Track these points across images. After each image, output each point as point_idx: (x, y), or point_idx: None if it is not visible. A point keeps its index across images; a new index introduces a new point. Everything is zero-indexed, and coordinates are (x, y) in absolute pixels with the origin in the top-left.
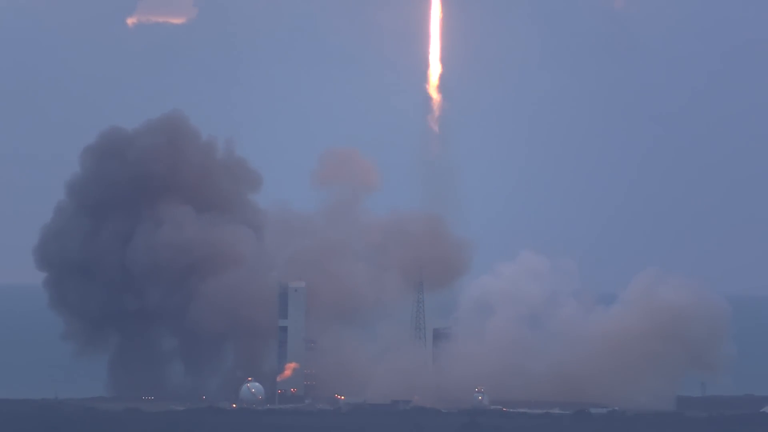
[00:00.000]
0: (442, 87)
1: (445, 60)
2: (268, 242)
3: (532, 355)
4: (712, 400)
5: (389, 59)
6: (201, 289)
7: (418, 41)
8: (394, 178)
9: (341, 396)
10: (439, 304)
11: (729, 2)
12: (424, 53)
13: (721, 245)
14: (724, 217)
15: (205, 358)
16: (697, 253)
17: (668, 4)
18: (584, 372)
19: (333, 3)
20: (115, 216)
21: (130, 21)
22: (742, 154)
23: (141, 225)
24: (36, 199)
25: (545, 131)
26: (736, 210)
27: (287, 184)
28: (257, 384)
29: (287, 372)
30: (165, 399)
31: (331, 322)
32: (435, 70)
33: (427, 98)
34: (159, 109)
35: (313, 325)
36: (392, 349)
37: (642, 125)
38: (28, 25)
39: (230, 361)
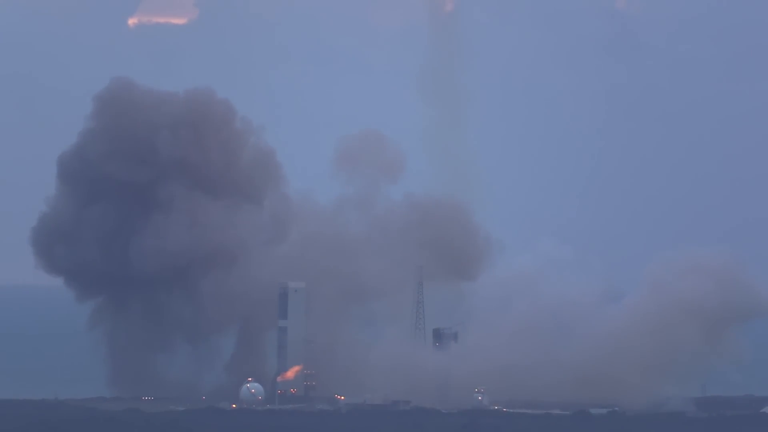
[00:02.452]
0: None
1: (445, 62)
2: (283, 233)
3: (548, 353)
4: (712, 400)
5: (389, 57)
6: (209, 282)
7: (418, 43)
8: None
9: (341, 396)
10: (445, 303)
11: (729, 2)
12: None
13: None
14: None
15: (208, 349)
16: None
17: (669, 4)
18: (601, 371)
19: (334, 2)
20: (127, 208)
21: (132, 21)
22: (745, 154)
23: (157, 216)
24: (31, 198)
25: (545, 130)
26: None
27: (300, 176)
28: (257, 384)
29: (289, 374)
30: (165, 399)
31: (336, 319)
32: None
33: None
34: None
35: (316, 322)
36: (393, 348)
37: (649, 124)
38: (29, 25)
39: (232, 356)
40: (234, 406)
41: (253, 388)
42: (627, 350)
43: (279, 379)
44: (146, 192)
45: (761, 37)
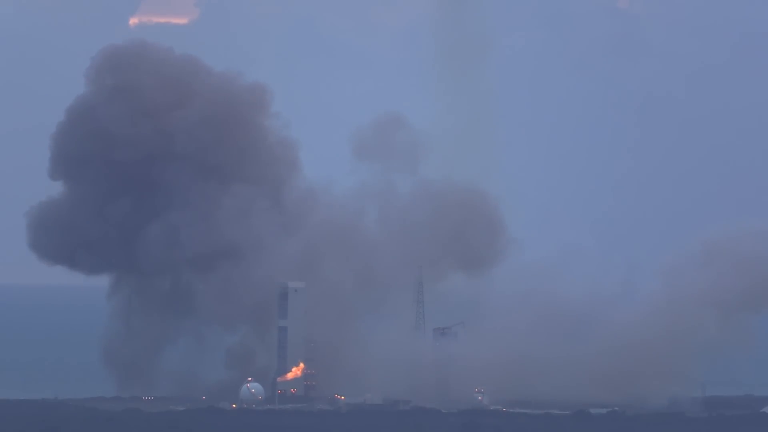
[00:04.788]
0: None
1: (447, 62)
2: (298, 226)
3: (562, 349)
4: (712, 400)
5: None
6: (221, 275)
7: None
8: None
9: (341, 396)
10: (455, 297)
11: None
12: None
13: None
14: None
15: (215, 343)
16: None
17: (671, 3)
18: (612, 369)
19: (334, 2)
20: (145, 202)
21: (132, 21)
22: (749, 153)
23: (172, 212)
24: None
25: (545, 131)
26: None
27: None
28: (257, 384)
29: (293, 373)
30: (165, 399)
31: (339, 315)
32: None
33: None
34: None
35: (318, 319)
36: (394, 348)
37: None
38: (29, 25)
39: (236, 353)
40: (234, 406)
41: (253, 388)
42: (639, 348)
43: (279, 379)
44: (162, 186)
45: (764, 35)
